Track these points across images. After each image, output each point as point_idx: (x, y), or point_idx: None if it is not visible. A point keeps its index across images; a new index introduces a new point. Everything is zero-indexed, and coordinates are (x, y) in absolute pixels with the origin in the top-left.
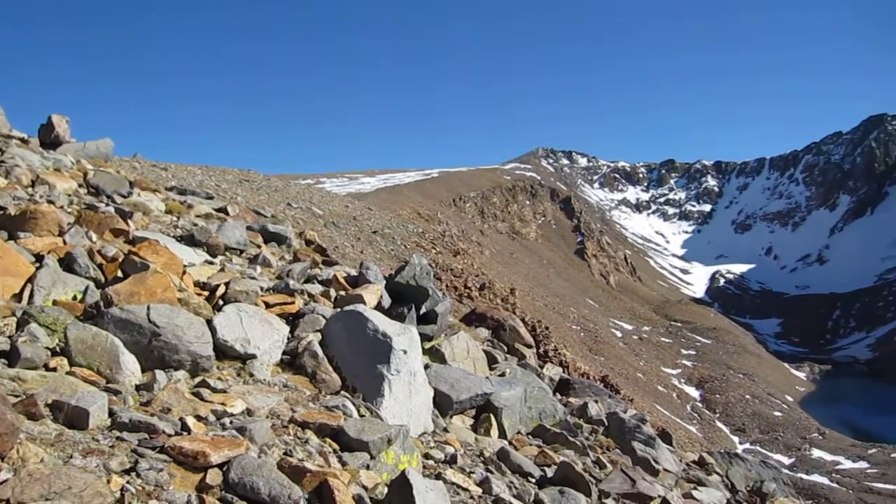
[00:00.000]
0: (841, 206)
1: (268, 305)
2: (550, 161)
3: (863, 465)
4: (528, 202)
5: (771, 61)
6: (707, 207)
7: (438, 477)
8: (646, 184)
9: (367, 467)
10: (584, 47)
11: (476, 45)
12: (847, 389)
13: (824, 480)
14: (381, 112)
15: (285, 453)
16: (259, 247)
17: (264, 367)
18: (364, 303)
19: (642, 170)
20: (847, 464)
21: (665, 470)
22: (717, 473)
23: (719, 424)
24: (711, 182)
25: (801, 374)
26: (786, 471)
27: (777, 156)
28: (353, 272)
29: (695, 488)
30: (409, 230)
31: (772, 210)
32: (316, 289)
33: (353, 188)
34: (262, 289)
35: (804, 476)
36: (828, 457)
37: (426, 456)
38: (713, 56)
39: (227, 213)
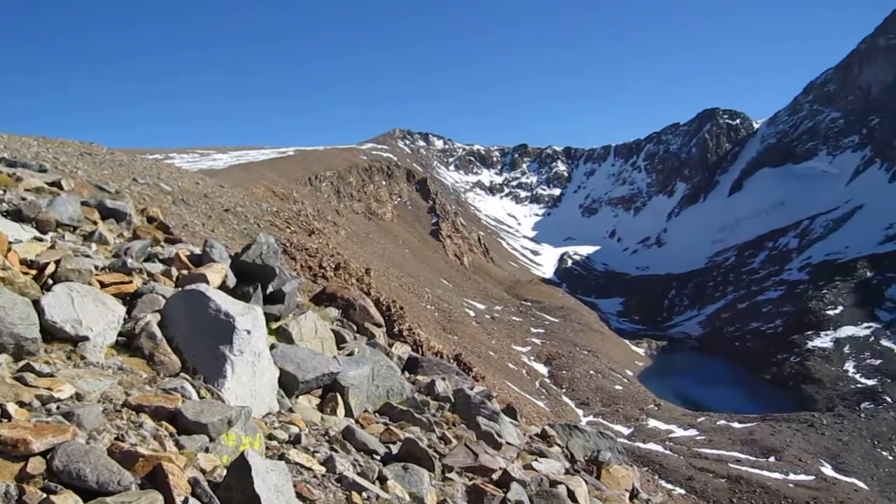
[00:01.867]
0: (678, 192)
1: (103, 285)
2: (407, 142)
3: (693, 432)
4: (384, 183)
5: (610, 54)
6: (557, 191)
7: (281, 457)
8: (499, 167)
9: (206, 450)
10: (448, 47)
11: (336, 24)
12: (680, 363)
13: (659, 448)
14: (235, 92)
15: (117, 438)
16: (95, 223)
17: (97, 350)
18: (207, 282)
19: (496, 153)
20: (679, 432)
21: (508, 443)
22: (558, 445)
23: (565, 399)
24: (561, 167)
25: (640, 350)
26: (625, 440)
27: (621, 144)
28: (198, 251)
29: (536, 460)
30: (263, 209)
31: (616, 195)
32: (156, 268)
33: (204, 164)
34: (96, 267)
35: (641, 445)
36: (662, 426)
37: (270, 437)
38: (565, 49)
39: (62, 188)
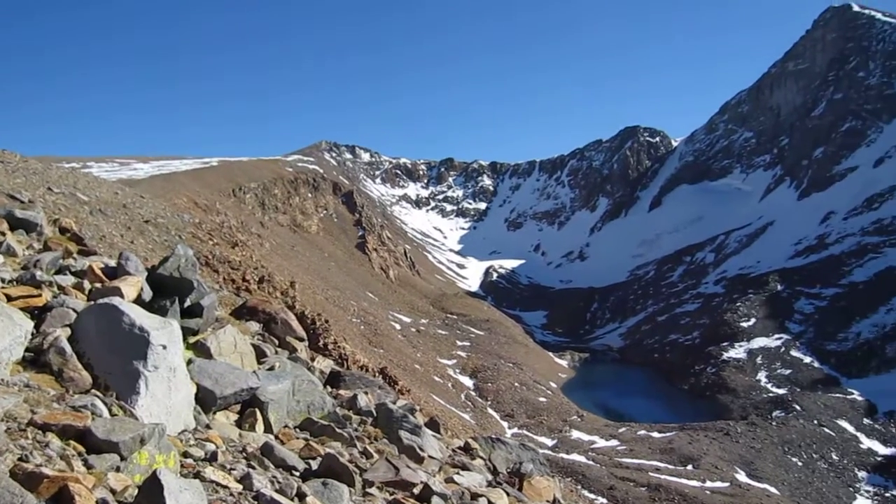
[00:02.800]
0: (600, 207)
1: (9, 298)
2: (333, 155)
3: (614, 442)
4: (310, 195)
5: (546, 71)
6: (483, 205)
7: (197, 475)
8: (426, 181)
9: (117, 469)
10: (384, 57)
11: (261, 35)
12: (602, 375)
13: (582, 459)
14: (157, 104)
15: (20, 459)
16: (3, 234)
17: (2, 366)
18: (122, 296)
19: (423, 167)
20: (601, 442)
21: (430, 457)
22: (481, 457)
23: (490, 411)
24: (487, 181)
25: (564, 362)
26: (548, 451)
27: (546, 159)
28: (113, 263)
29: (458, 473)
30: (185, 220)
31: (541, 210)
32: (68, 280)
33: (124, 174)
34: (3, 280)
35: (564, 455)
36: (585, 437)
37: (185, 454)
38: (491, 63)
39: None
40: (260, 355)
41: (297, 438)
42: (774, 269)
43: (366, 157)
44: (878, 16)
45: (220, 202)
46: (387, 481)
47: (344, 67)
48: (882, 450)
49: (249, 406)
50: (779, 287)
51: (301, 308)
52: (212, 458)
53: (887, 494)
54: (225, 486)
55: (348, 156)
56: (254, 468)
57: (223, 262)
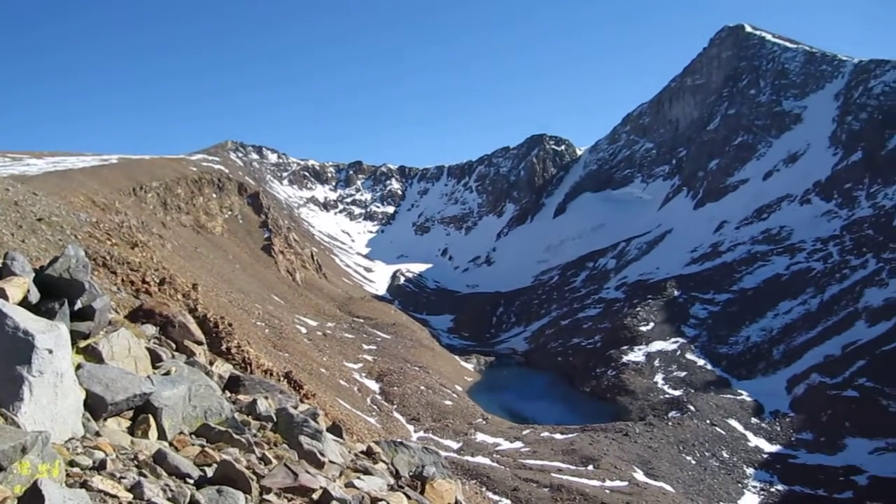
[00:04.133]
0: (507, 213)
1: None
2: (240, 155)
3: (518, 444)
4: (214, 195)
5: (454, 78)
6: (391, 209)
7: (84, 485)
8: (334, 183)
9: None
10: (292, 59)
11: (167, 33)
12: (507, 378)
13: (486, 461)
14: (52, 93)
15: None
16: None
17: None
18: (6, 297)
19: (331, 169)
20: (505, 444)
21: (331, 462)
22: (384, 461)
23: (396, 415)
24: (395, 185)
25: (470, 366)
26: (454, 454)
27: (454, 164)
28: None
29: (359, 477)
30: (82, 219)
31: (448, 214)
32: None
33: (16, 170)
34: None
35: (469, 458)
36: (490, 439)
37: (71, 463)
38: (400, 67)
39: None
40: (155, 360)
41: (193, 445)
42: (672, 276)
43: (273, 157)
44: (768, 37)
45: (120, 201)
46: (285, 487)
47: (250, 66)
48: (768, 447)
49: (143, 412)
50: (676, 293)
51: (204, 311)
52: (100, 467)
53: (772, 489)
54: (113, 496)
55: (255, 156)
56: (145, 476)
57: (122, 264)
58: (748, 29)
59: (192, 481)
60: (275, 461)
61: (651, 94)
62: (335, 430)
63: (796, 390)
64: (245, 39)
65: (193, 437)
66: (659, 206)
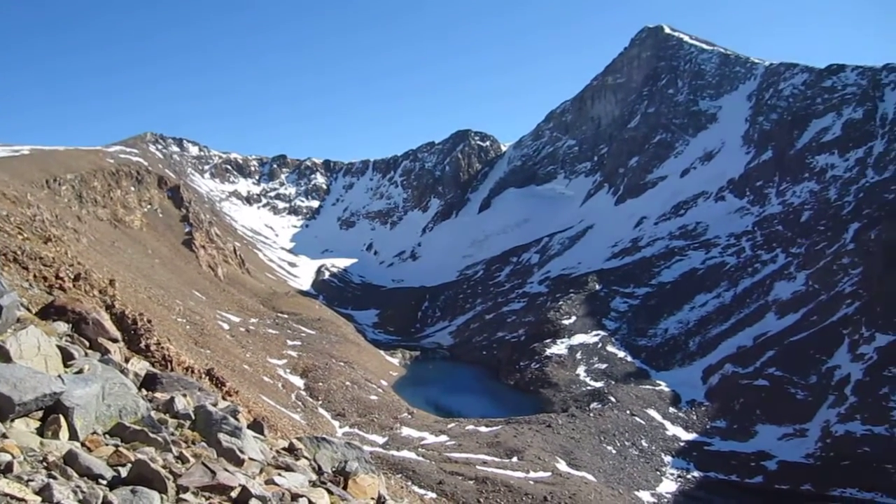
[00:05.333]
0: (432, 208)
1: None
2: (160, 147)
3: (443, 438)
4: (133, 188)
5: (379, 70)
6: (315, 203)
7: None
8: (258, 177)
9: None
10: (212, 50)
11: (87, 20)
12: (432, 372)
13: (412, 455)
14: None
15: None
16: None
17: None
18: None
19: (254, 163)
20: (431, 438)
21: (251, 459)
22: (306, 458)
23: (321, 411)
24: (320, 179)
25: (395, 360)
26: (379, 449)
27: (380, 159)
28: None
29: (280, 474)
30: None
31: (374, 209)
32: None
33: None
34: None
35: (395, 452)
36: (415, 433)
37: None
38: (328, 63)
39: None
40: (67, 358)
41: (107, 445)
42: (593, 270)
43: (194, 150)
44: (686, 39)
45: (32, 194)
46: (203, 486)
47: (171, 57)
48: (685, 435)
49: (53, 412)
50: (597, 287)
51: (121, 307)
52: (7, 470)
53: (689, 476)
54: (21, 499)
55: (175, 149)
56: (55, 478)
57: (34, 259)
58: (667, 30)
59: (104, 482)
60: (193, 460)
61: (574, 92)
62: (256, 426)
63: (711, 380)
64: (165, 32)
65: (107, 436)
66: (581, 201)
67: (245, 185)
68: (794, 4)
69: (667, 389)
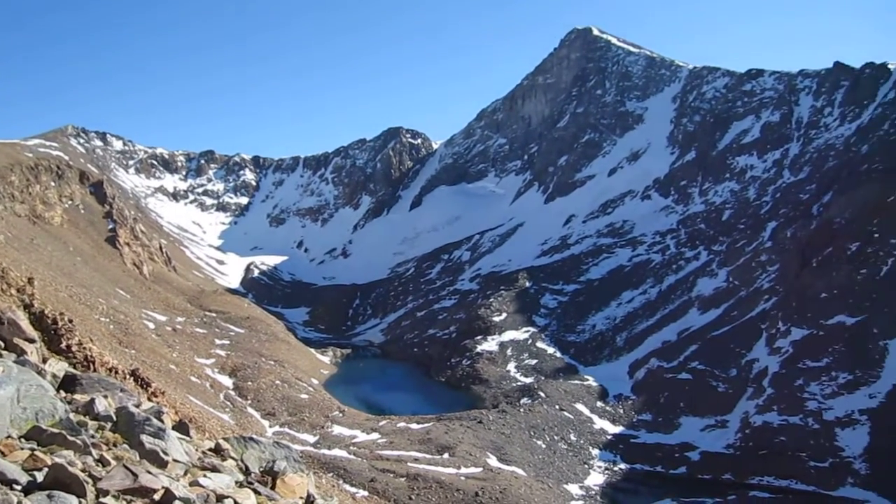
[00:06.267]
0: (363, 205)
1: None
2: (81, 141)
3: (375, 436)
4: (53, 184)
5: (308, 63)
6: (244, 200)
7: None
8: (184, 173)
9: None
10: (139, 43)
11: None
12: (363, 370)
13: (343, 453)
14: None
15: None
16: None
17: None
18: None
19: (181, 158)
20: (362, 436)
21: (175, 460)
22: (233, 458)
23: (251, 410)
24: (249, 176)
25: (326, 359)
26: (311, 448)
27: (310, 156)
28: None
29: (205, 475)
30: None
31: (304, 206)
32: None
33: None
34: None
35: (326, 451)
36: (347, 432)
37: None
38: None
39: None
40: None
41: (22, 449)
42: (523, 267)
43: (118, 145)
44: (614, 41)
45: None
46: (124, 489)
47: (94, 50)
48: (611, 429)
49: None
50: (527, 284)
51: (41, 307)
52: None
53: (615, 468)
54: None
55: (98, 143)
56: None
57: None
58: (596, 32)
59: (19, 487)
60: (114, 462)
61: (505, 91)
62: (182, 427)
63: (637, 374)
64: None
65: (23, 440)
66: (511, 200)
67: (171, 181)
68: (715, 9)
69: (595, 384)
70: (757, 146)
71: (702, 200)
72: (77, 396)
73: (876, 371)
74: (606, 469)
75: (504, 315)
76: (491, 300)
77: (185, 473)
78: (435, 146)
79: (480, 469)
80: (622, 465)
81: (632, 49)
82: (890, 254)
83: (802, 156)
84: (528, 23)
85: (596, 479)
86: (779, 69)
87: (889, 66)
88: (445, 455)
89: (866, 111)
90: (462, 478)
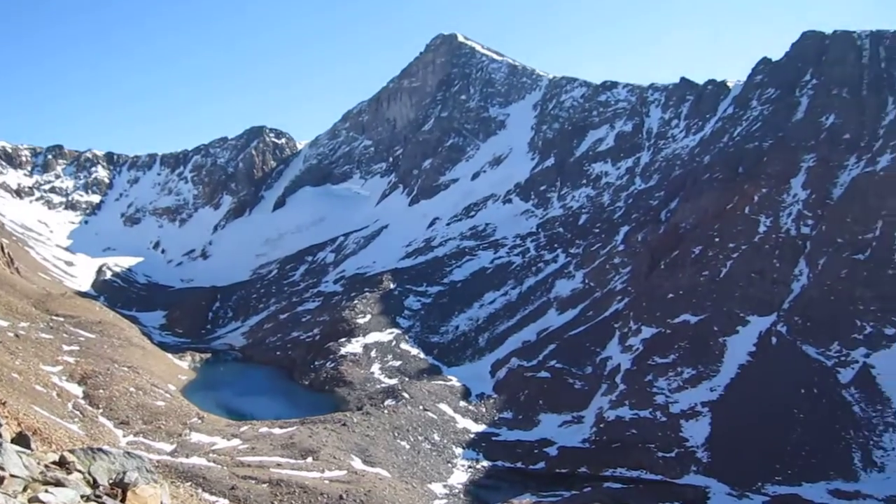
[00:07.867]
0: (224, 205)
1: None
2: None
3: (236, 442)
4: None
5: (162, 55)
6: (96, 198)
7: None
8: (30, 168)
9: None
10: None
11: None
12: (224, 375)
13: (202, 461)
14: None
15: None
16: None
17: None
18: None
19: (26, 153)
20: (223, 443)
21: (12, 476)
22: (79, 471)
23: (103, 420)
24: (102, 173)
25: (184, 364)
26: (167, 457)
27: (169, 153)
28: None
29: (46, 490)
30: None
31: (161, 205)
32: None
33: None
34: None
35: (184, 460)
36: (206, 439)
37: None
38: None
39: None
40: None
41: None
42: (388, 269)
43: None
44: (478, 48)
45: None
46: None
47: None
48: (474, 427)
49: None
50: (391, 285)
51: None
52: None
53: (478, 466)
54: None
55: None
56: None
57: None
58: (461, 38)
59: None
60: None
61: (370, 93)
62: (22, 440)
63: (499, 374)
64: None
65: None
66: (376, 201)
67: (15, 177)
68: (575, 19)
69: (458, 384)
70: (611, 154)
71: (560, 205)
72: None
73: (716, 366)
74: (469, 467)
75: (368, 317)
76: (355, 302)
77: (24, 489)
78: (299, 146)
79: (345, 472)
80: (485, 463)
81: (495, 56)
82: (728, 257)
83: (652, 164)
84: (393, 26)
85: (459, 477)
86: (631, 82)
87: (728, 84)
88: (309, 459)
89: (708, 124)
90: (326, 481)
